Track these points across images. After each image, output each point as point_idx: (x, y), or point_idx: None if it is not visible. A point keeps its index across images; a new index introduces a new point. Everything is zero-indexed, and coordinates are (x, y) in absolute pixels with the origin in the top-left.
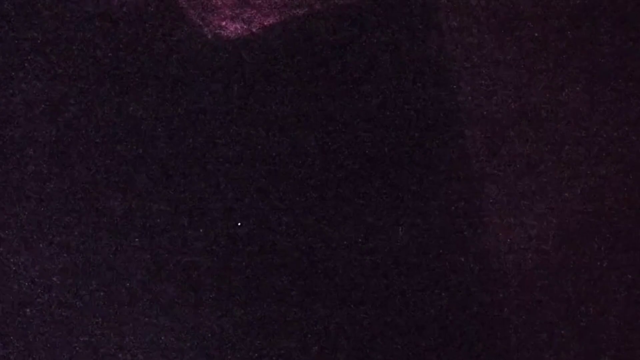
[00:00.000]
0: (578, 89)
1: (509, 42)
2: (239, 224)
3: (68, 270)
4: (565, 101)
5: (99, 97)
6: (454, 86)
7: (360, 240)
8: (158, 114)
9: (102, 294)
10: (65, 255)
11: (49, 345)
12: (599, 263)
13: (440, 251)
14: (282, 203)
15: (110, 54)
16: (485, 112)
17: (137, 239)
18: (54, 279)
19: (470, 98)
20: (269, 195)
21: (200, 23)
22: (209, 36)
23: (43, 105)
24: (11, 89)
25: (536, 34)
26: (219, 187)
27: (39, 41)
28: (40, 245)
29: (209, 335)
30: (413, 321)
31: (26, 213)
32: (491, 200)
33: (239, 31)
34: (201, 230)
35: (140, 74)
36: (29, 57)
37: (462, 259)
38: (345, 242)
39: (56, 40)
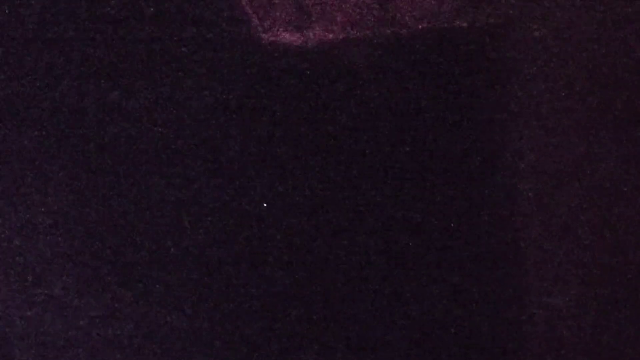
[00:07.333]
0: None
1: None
2: (265, 204)
3: (66, 263)
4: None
5: (145, 94)
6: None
7: (370, 242)
8: (209, 115)
9: (99, 289)
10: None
11: (46, 334)
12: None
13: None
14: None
15: (167, 56)
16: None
17: (137, 236)
18: (54, 274)
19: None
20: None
21: (260, 28)
22: (266, 42)
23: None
24: (11, 88)
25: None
26: (272, 190)
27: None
28: (41, 241)
29: (208, 333)
30: (425, 322)
31: (27, 207)
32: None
33: (296, 41)
34: (201, 230)
35: (192, 73)
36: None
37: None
38: (356, 243)
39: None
